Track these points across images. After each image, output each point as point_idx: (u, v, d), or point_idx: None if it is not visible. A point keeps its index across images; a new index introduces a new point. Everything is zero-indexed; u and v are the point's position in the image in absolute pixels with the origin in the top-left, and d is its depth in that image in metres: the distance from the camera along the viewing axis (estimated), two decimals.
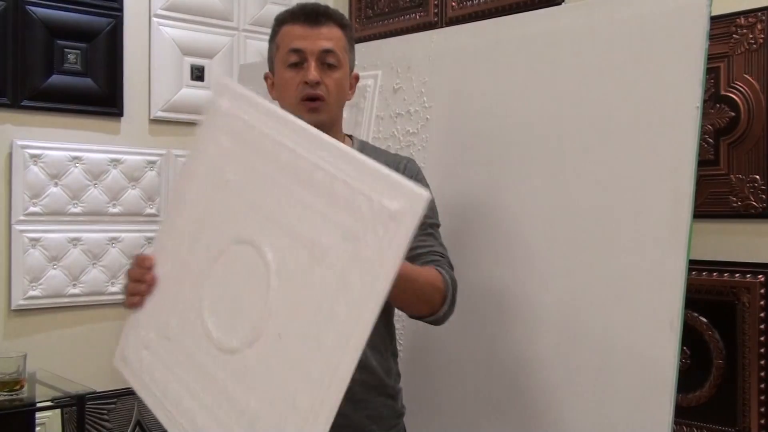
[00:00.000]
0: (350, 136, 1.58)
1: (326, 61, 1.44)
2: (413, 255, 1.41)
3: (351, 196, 1.03)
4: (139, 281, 1.25)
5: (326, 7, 1.48)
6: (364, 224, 1.01)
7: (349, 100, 1.55)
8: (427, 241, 1.45)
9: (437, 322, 1.41)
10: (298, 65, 1.44)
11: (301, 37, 1.44)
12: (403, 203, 0.98)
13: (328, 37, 1.44)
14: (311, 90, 1.42)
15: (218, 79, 1.21)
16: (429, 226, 1.48)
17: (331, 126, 1.46)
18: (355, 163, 1.05)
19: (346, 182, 1.04)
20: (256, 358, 1.09)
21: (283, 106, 1.47)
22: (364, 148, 1.54)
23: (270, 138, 1.15)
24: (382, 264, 0.98)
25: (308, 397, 1.01)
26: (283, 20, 1.49)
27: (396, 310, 1.52)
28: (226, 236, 1.17)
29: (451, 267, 1.46)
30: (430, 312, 1.38)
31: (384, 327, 1.47)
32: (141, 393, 1.27)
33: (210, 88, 1.22)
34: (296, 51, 1.44)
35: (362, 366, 1.36)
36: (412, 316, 1.41)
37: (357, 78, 1.57)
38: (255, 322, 1.10)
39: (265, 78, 1.55)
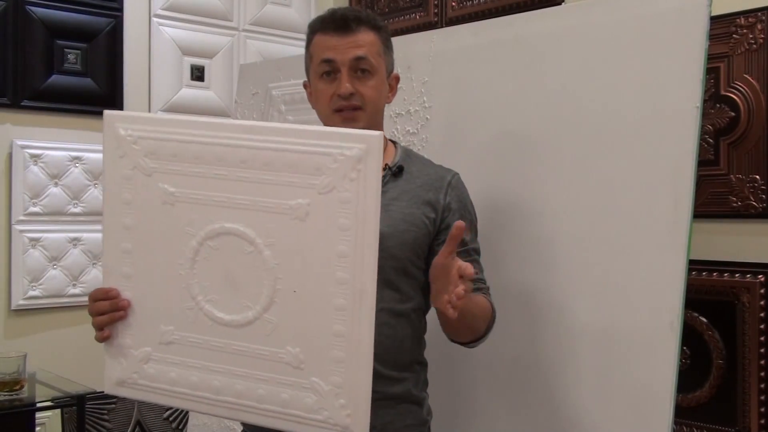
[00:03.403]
0: (393, 142, 1.54)
1: (360, 67, 1.40)
2: None
3: (310, 159, 1.14)
4: (113, 311, 1.27)
5: (357, 12, 1.44)
6: (335, 176, 1.12)
7: (389, 102, 1.51)
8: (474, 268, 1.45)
9: (470, 347, 1.45)
10: (331, 75, 1.41)
11: (332, 47, 1.40)
12: (362, 146, 1.12)
13: (359, 44, 1.39)
14: (345, 102, 1.39)
15: (106, 113, 1.26)
16: (474, 251, 1.47)
17: None
18: (296, 133, 1.16)
19: (297, 150, 1.14)
20: (278, 316, 1.18)
21: (319, 116, 1.46)
22: (409, 156, 1.51)
23: (191, 143, 1.20)
24: (366, 199, 1.12)
25: (342, 349, 1.15)
26: (314, 29, 1.45)
27: (425, 321, 1.51)
28: (196, 237, 1.22)
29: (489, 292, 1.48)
30: (472, 339, 1.42)
31: (411, 339, 1.47)
32: (162, 400, 1.30)
33: (103, 121, 1.24)
34: (328, 61, 1.40)
35: (386, 378, 1.39)
36: (452, 341, 1.43)
37: (397, 79, 1.52)
38: (263, 291, 1.18)
39: (304, 86, 1.52)
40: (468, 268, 1.18)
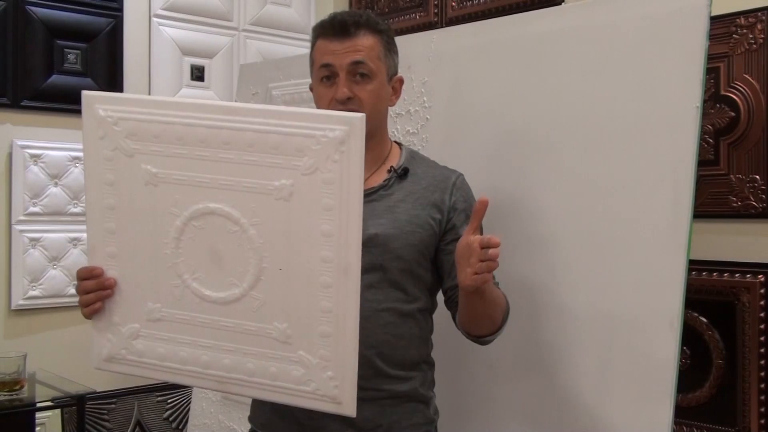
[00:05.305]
0: (399, 145, 1.55)
1: (358, 72, 1.40)
2: None
3: (293, 141, 1.15)
4: (99, 290, 1.29)
5: (358, 15, 1.44)
6: (319, 157, 1.14)
7: (392, 105, 1.52)
8: None
9: (485, 343, 1.45)
10: (331, 79, 1.42)
11: (331, 51, 1.41)
12: (345, 128, 1.13)
13: (358, 48, 1.40)
14: (342, 107, 1.38)
15: (84, 93, 1.27)
16: None
17: (370, 137, 1.40)
18: (279, 114, 1.17)
19: (280, 132, 1.15)
20: (264, 293, 1.20)
21: None
22: (413, 157, 1.52)
23: (174, 124, 1.21)
24: (350, 180, 1.14)
25: (329, 324, 1.17)
26: (316, 33, 1.46)
27: (432, 322, 1.52)
28: (180, 217, 1.23)
29: None
30: (488, 333, 1.42)
31: (418, 339, 1.47)
32: (151, 374, 1.33)
33: (82, 102, 1.23)
34: (326, 66, 1.41)
35: (393, 377, 1.40)
36: (468, 336, 1.44)
37: (401, 81, 1.52)
38: (249, 269, 1.20)
39: (311, 89, 1.51)
40: (493, 238, 1.20)
